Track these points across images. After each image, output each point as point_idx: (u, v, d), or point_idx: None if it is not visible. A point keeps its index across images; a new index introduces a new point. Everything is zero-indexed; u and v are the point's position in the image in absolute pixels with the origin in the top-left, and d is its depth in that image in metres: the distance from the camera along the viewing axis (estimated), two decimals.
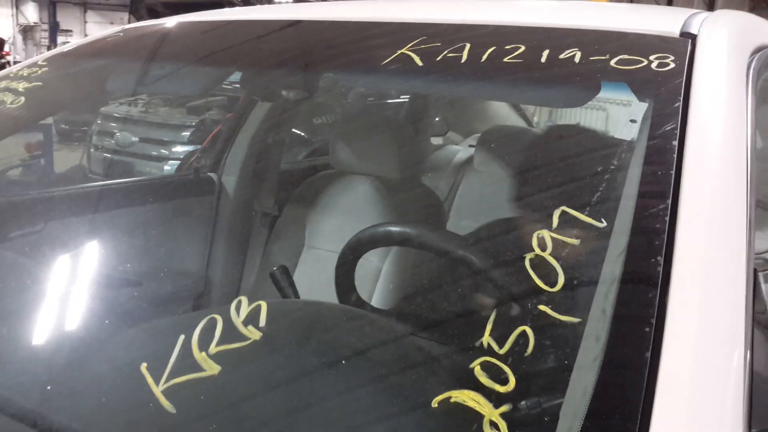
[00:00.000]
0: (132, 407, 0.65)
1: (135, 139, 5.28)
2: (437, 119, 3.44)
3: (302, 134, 4.45)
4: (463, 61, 1.00)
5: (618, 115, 0.92)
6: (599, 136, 0.94)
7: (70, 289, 1.12)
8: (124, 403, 0.67)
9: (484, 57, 1.00)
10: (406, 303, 1.24)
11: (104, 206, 1.95)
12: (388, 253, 1.87)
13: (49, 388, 0.69)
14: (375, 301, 1.82)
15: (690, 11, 1.14)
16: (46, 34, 26.66)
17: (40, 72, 1.37)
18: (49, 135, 4.56)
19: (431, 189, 2.25)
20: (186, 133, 5.30)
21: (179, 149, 5.19)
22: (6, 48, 17.41)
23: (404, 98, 3.36)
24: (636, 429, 0.51)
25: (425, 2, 1.47)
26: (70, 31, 27.01)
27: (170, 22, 1.55)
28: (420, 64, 1.01)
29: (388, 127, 2.05)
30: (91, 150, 5.28)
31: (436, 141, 3.32)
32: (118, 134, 5.33)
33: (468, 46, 1.03)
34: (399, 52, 1.05)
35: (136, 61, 1.49)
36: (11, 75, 1.41)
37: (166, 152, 5.23)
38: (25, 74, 1.38)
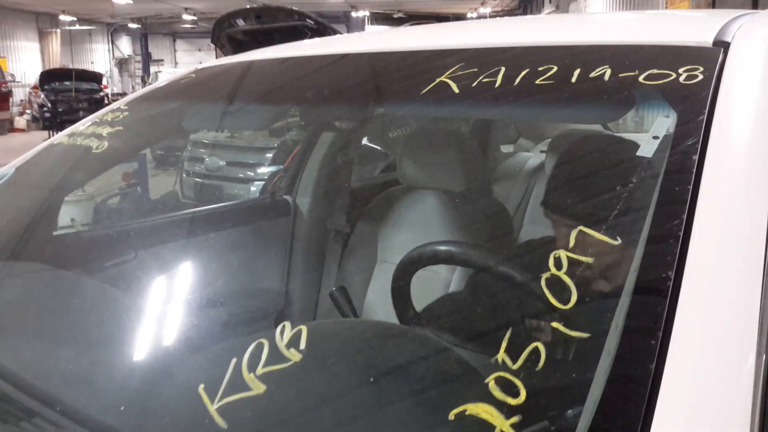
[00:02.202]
0: (191, 424, 0.74)
1: (222, 163, 5.54)
2: (512, 126, 3.46)
3: (379, 149, 4.55)
4: (497, 85, 1.05)
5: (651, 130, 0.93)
6: (628, 149, 0.96)
7: (156, 314, 1.23)
8: (185, 420, 0.76)
9: (518, 80, 1.04)
10: (454, 317, 1.29)
11: (188, 233, 2.09)
12: (455, 266, 1.93)
13: (122, 408, 0.79)
14: None
15: (732, 14, 1.12)
16: (140, 65, 28.23)
17: (121, 116, 1.52)
18: (144, 165, 4.87)
19: (498, 200, 2.29)
20: (269, 155, 5.52)
21: (264, 170, 5.41)
22: (103, 81, 18.53)
23: None
24: None
25: (465, 28, 1.52)
26: (162, 60, 28.49)
27: (235, 61, 1.67)
28: (456, 91, 1.07)
29: (453, 141, 2.10)
30: (183, 176, 5.59)
31: (507, 149, 3.34)
32: (207, 159, 5.61)
33: (503, 69, 1.07)
34: (438, 80, 1.11)
35: (207, 101, 1.61)
36: (97, 120, 1.57)
37: (252, 174, 5.46)
38: (108, 119, 1.52)
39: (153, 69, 26.55)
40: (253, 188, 5.23)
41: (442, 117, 1.90)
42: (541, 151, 3.12)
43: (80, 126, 1.62)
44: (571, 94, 0.99)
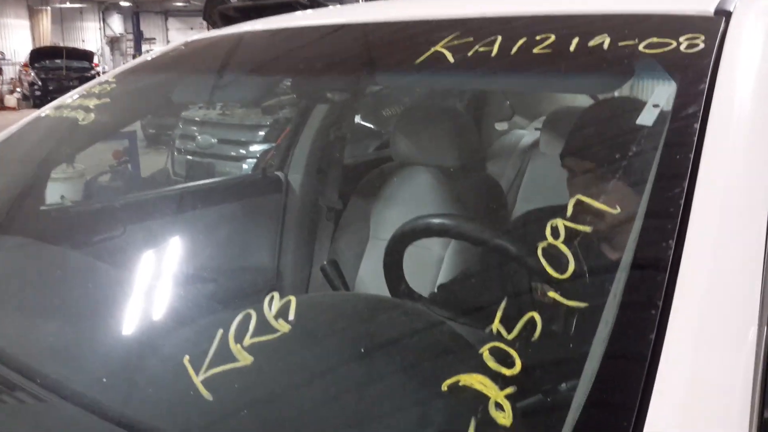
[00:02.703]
0: (176, 396, 0.72)
1: (214, 141, 5.49)
2: (507, 103, 3.42)
3: (372, 127, 4.52)
4: (493, 54, 1.02)
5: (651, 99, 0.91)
6: (630, 117, 0.93)
7: (145, 289, 1.21)
8: (170, 392, 0.75)
9: (514, 49, 1.01)
10: (445, 290, 1.28)
11: (178, 208, 2.07)
12: (449, 242, 1.91)
13: (105, 380, 0.77)
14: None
15: None
16: (132, 44, 27.95)
17: (109, 89, 1.48)
18: (134, 142, 4.82)
19: (492, 176, 2.27)
20: (262, 133, 5.48)
21: (256, 148, 5.37)
22: (95, 60, 18.37)
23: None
24: (634, 413, 0.53)
25: None
26: (154, 39, 28.20)
27: (226, 33, 1.64)
28: (452, 60, 1.04)
29: (446, 117, 2.08)
30: (174, 153, 5.54)
31: (501, 126, 3.31)
32: (198, 137, 5.57)
33: (499, 39, 1.05)
34: (432, 49, 1.08)
35: (196, 72, 1.58)
36: (84, 92, 1.53)
37: (244, 152, 5.43)
38: (96, 91, 1.49)
39: (145, 48, 26.27)
40: (245, 166, 5.19)
41: (437, 89, 1.87)
42: (536, 129, 3.09)
43: (67, 99, 1.59)
44: (569, 64, 0.96)
